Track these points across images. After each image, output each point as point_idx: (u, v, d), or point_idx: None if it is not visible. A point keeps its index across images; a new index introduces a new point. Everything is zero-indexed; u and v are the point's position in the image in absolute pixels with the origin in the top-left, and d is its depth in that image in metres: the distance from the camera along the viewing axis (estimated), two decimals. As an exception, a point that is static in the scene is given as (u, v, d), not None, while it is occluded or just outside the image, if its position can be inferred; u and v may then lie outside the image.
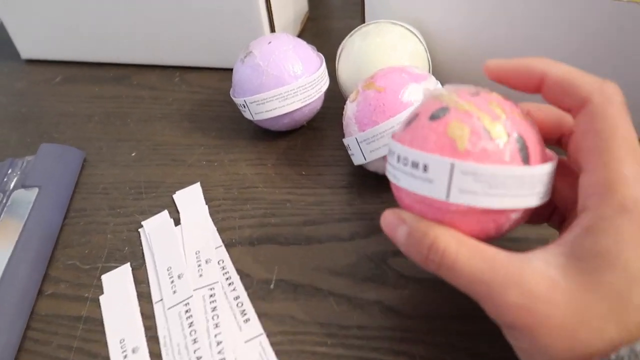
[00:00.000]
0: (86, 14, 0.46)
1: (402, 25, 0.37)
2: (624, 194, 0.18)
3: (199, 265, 0.30)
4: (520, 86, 0.22)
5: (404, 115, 0.29)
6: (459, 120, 0.20)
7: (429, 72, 0.37)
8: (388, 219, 0.22)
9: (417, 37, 0.37)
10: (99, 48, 0.48)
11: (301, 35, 0.51)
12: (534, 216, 0.22)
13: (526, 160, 0.20)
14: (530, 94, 0.22)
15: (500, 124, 0.20)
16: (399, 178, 0.21)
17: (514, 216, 0.21)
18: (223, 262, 0.30)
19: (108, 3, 0.44)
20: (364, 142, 0.31)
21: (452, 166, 0.19)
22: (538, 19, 0.34)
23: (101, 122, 0.42)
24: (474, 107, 0.21)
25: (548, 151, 0.23)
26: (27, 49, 0.51)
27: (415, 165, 0.20)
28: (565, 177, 0.22)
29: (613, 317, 0.17)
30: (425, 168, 0.20)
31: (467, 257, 0.19)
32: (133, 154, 0.39)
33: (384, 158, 0.31)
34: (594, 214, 0.18)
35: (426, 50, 0.37)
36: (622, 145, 0.18)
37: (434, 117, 0.21)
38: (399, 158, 0.21)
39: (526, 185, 0.20)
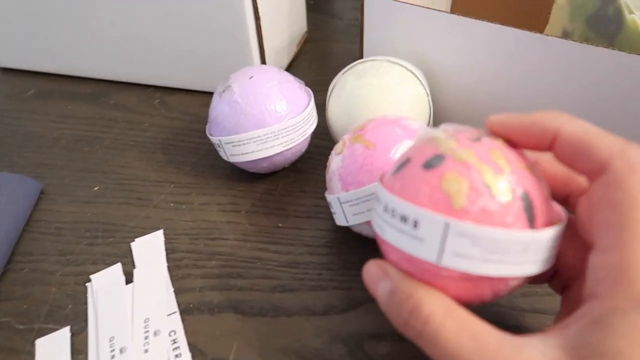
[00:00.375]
0: (68, 23, 0.42)
1: (402, 65, 0.33)
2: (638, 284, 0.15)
3: (146, 338, 0.26)
4: (530, 145, 0.19)
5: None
6: (457, 172, 0.18)
7: (430, 119, 0.33)
8: (371, 270, 0.20)
9: (418, 79, 0.33)
10: (78, 61, 0.45)
11: (297, 57, 0.47)
12: (534, 278, 0.20)
13: (532, 220, 0.18)
14: (543, 150, 0.19)
15: (503, 179, 0.18)
16: (385, 230, 0.19)
17: (513, 283, 0.19)
18: (175, 333, 0.26)
19: (91, 13, 0.41)
20: (347, 204, 0.27)
21: (447, 226, 0.17)
22: (555, 68, 0.30)
23: (68, 147, 0.39)
24: (474, 157, 0.18)
25: (556, 206, 0.20)
26: (3, 57, 0.47)
27: (404, 219, 0.18)
28: (571, 240, 0.20)
29: None
30: (415, 224, 0.18)
31: (453, 331, 0.17)
32: (96, 188, 0.35)
33: (369, 223, 0.27)
34: (604, 305, 0.16)
35: (428, 95, 0.33)
36: None
37: (428, 166, 0.18)
38: (386, 208, 0.19)
39: (530, 252, 0.18)
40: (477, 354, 0.16)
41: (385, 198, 0.19)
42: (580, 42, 0.29)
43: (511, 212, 0.17)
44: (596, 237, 0.17)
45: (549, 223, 0.18)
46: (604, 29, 0.33)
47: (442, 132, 0.20)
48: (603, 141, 0.17)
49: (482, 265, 0.17)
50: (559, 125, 0.18)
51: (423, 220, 0.17)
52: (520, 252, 0.17)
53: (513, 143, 0.20)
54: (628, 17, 0.32)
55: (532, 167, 0.19)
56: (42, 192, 0.35)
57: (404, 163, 0.19)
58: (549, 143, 0.18)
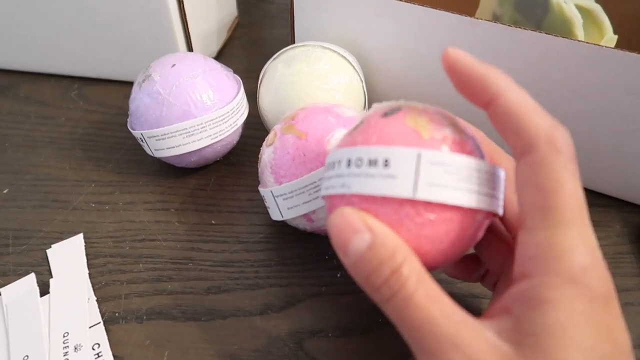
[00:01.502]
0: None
1: (334, 51, 0.31)
2: (571, 262, 0.16)
3: (65, 354, 0.23)
4: (467, 93, 0.18)
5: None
6: (416, 113, 0.18)
7: (365, 104, 0.33)
8: (348, 217, 0.17)
9: (351, 65, 0.32)
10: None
11: (228, 44, 0.45)
12: (468, 271, 0.22)
13: (482, 158, 0.18)
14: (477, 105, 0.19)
15: (452, 124, 0.19)
16: (350, 185, 0.18)
17: (479, 234, 0.19)
18: (99, 346, 0.24)
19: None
20: (281, 197, 0.26)
21: (419, 156, 0.17)
22: (486, 51, 0.30)
23: (-29, 146, 0.35)
24: (424, 106, 0.19)
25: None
26: None
27: (373, 162, 0.17)
28: (497, 245, 0.22)
29: None
30: (386, 163, 0.17)
31: (426, 299, 0.16)
32: (5, 191, 0.32)
33: (305, 216, 0.26)
34: (539, 282, 0.16)
35: (362, 81, 0.32)
36: (568, 204, 0.16)
37: (387, 114, 0.18)
38: (349, 162, 0.18)
39: (492, 184, 0.18)
40: (445, 326, 0.16)
41: (347, 153, 0.18)
42: (509, 26, 0.29)
43: (469, 145, 0.18)
44: (525, 216, 0.17)
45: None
46: (532, 12, 0.34)
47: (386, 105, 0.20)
48: (533, 120, 0.17)
49: (455, 194, 0.17)
50: (498, 91, 0.17)
51: (394, 156, 0.17)
52: (485, 183, 0.18)
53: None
54: (553, 1, 0.32)
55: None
56: (-60, 199, 0.31)
57: (359, 124, 0.19)
58: (487, 102, 0.18)
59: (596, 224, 0.30)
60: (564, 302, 0.15)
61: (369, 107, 0.33)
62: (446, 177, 0.17)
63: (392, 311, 0.17)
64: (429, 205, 0.17)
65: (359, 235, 0.17)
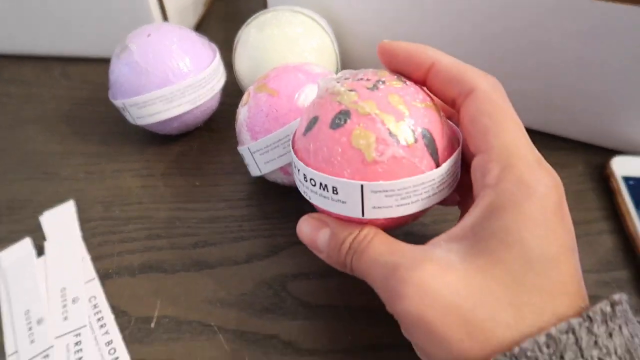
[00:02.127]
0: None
1: (305, 14, 0.33)
2: (522, 170, 0.17)
3: (64, 306, 0.25)
4: (409, 72, 0.21)
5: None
6: (363, 126, 0.19)
7: (337, 66, 0.34)
8: (309, 222, 0.22)
9: (322, 27, 0.33)
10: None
11: (205, 18, 0.46)
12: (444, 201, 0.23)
13: (434, 155, 0.20)
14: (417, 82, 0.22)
15: (405, 124, 0.19)
16: (310, 196, 0.21)
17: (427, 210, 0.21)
18: (95, 299, 0.26)
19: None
20: (257, 153, 0.27)
21: (362, 187, 0.19)
22: (452, 9, 0.31)
23: (-41, 127, 0.36)
24: (376, 108, 0.19)
25: (451, 125, 0.22)
26: None
27: (324, 187, 0.20)
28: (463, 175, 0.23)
29: (507, 299, 0.16)
30: (335, 190, 0.19)
31: (378, 244, 0.19)
32: (-5, 167, 0.33)
33: (281, 169, 0.27)
34: (493, 190, 0.18)
35: (333, 43, 0.33)
36: (514, 126, 0.19)
37: (335, 126, 0.19)
38: (305, 177, 0.20)
39: (437, 184, 0.20)
40: (396, 256, 0.18)
41: (303, 169, 0.20)
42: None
43: (417, 153, 0.19)
44: (477, 144, 0.19)
45: (450, 147, 0.20)
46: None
47: (342, 83, 0.21)
48: (469, 69, 0.20)
49: (399, 209, 0.19)
50: (435, 56, 0.21)
51: (341, 187, 0.19)
52: (429, 188, 0.19)
53: (403, 75, 0.21)
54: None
55: (425, 99, 0.20)
56: None
57: (313, 122, 0.20)
58: (426, 72, 0.21)
59: (562, 165, 0.32)
60: (513, 205, 0.17)
61: (341, 68, 0.35)
62: (388, 200, 0.19)
63: (357, 263, 0.20)
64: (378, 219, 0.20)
65: (321, 232, 0.21)
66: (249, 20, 0.33)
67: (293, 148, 0.22)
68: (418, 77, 0.21)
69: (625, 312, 0.16)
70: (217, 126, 0.35)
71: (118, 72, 0.30)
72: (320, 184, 0.20)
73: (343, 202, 0.19)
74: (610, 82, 0.30)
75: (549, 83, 0.31)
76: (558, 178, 0.18)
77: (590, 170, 0.32)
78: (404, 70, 0.21)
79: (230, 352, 0.24)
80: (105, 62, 0.40)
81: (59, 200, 0.31)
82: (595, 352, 0.15)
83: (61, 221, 0.29)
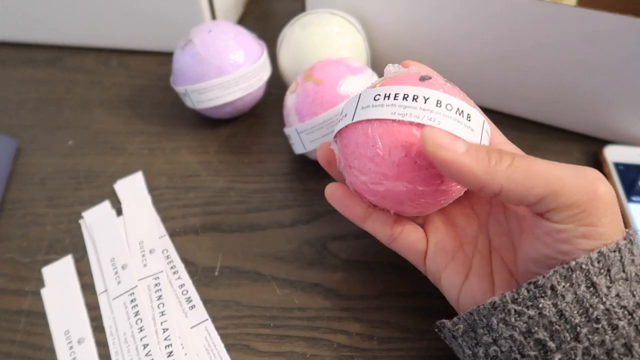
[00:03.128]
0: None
1: (341, 16, 0.38)
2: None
3: (143, 256, 0.30)
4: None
5: (342, 107, 0.30)
6: (438, 83, 0.23)
7: (368, 63, 0.39)
8: (441, 134, 0.20)
9: (356, 27, 0.38)
10: (30, 28, 0.46)
11: (243, 18, 0.51)
12: None
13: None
14: None
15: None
16: (439, 122, 0.21)
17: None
18: (167, 251, 0.31)
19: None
20: (304, 133, 0.32)
21: (483, 122, 0.23)
22: (468, 13, 0.36)
23: (35, 109, 0.41)
24: (442, 79, 0.23)
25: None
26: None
27: (460, 112, 0.22)
28: None
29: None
30: (468, 117, 0.22)
31: (521, 159, 0.20)
32: (70, 142, 0.38)
33: (323, 147, 0.32)
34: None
35: (365, 41, 0.38)
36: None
37: (423, 79, 0.23)
38: (438, 103, 0.22)
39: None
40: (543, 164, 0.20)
41: (435, 95, 0.22)
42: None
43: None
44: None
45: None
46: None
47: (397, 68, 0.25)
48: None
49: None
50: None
51: (473, 114, 0.22)
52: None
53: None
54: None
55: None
56: (18, 150, 0.37)
57: (405, 77, 0.24)
58: None
59: (559, 152, 0.37)
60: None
61: (371, 63, 0.40)
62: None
63: (510, 178, 0.20)
64: None
65: (457, 142, 0.20)
66: (292, 20, 0.38)
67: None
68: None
69: None
70: (261, 112, 0.40)
71: (182, 61, 0.35)
72: (458, 109, 0.22)
73: (472, 129, 0.22)
74: (602, 81, 0.35)
75: (549, 80, 0.36)
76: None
77: (586, 157, 0.37)
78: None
79: (282, 296, 0.29)
80: (156, 54, 0.46)
81: (129, 171, 0.36)
82: (632, 269, 0.20)
83: (132, 188, 0.34)
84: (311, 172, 0.36)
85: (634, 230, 0.21)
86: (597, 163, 0.36)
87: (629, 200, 0.32)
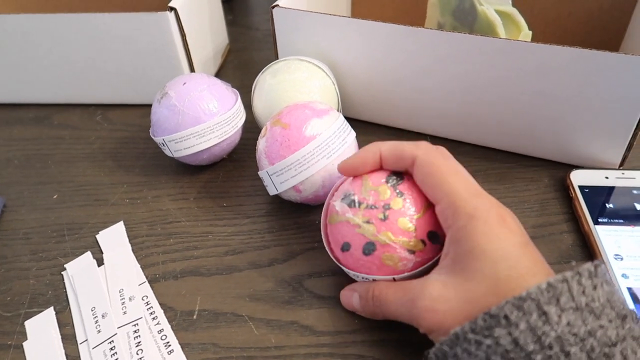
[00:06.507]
0: (4, 55, 0.46)
1: (310, 62, 0.40)
2: (464, 206, 0.24)
3: (123, 303, 0.31)
4: (369, 169, 0.29)
5: (308, 149, 0.32)
6: (388, 252, 0.27)
7: (338, 103, 0.41)
8: (344, 294, 0.30)
9: (324, 72, 0.40)
10: (18, 89, 0.48)
11: (223, 67, 0.53)
12: None
13: (441, 241, 0.27)
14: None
15: (412, 236, 0.26)
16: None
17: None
18: (147, 297, 0.31)
19: (25, 43, 0.45)
20: (274, 175, 0.33)
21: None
22: (430, 55, 0.38)
23: (21, 166, 0.42)
24: (392, 236, 0.26)
25: None
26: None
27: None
28: None
29: (491, 292, 0.22)
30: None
31: (392, 292, 0.26)
32: (55, 197, 0.39)
33: (294, 188, 0.33)
34: (453, 228, 0.25)
35: (334, 84, 0.40)
36: (451, 176, 0.26)
37: (366, 253, 0.27)
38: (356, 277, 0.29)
39: None
40: (408, 293, 0.25)
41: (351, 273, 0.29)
42: (448, 32, 0.37)
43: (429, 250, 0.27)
44: (433, 198, 0.26)
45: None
46: (465, 19, 0.42)
47: (355, 212, 0.27)
48: (406, 145, 0.27)
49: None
50: (380, 149, 0.28)
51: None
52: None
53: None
54: (479, 8, 0.41)
55: (422, 203, 0.27)
56: (4, 206, 0.39)
57: (347, 247, 0.28)
58: (380, 162, 0.28)
59: (530, 179, 0.38)
60: (469, 232, 0.24)
61: (341, 104, 0.41)
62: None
63: (381, 310, 0.27)
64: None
65: (354, 296, 0.29)
66: (264, 69, 0.40)
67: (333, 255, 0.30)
68: (376, 167, 0.29)
69: (604, 274, 0.22)
70: (239, 157, 0.42)
71: (159, 113, 0.37)
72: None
73: None
74: (562, 109, 0.36)
75: (513, 111, 0.38)
76: (494, 200, 0.25)
77: (554, 182, 0.38)
78: (366, 171, 0.29)
79: (259, 336, 0.29)
80: (139, 107, 0.48)
81: (110, 221, 0.37)
82: (582, 299, 0.21)
83: (114, 238, 0.35)
84: (288, 212, 0.37)
85: (599, 262, 0.22)
86: (564, 186, 0.37)
87: (595, 222, 0.33)
